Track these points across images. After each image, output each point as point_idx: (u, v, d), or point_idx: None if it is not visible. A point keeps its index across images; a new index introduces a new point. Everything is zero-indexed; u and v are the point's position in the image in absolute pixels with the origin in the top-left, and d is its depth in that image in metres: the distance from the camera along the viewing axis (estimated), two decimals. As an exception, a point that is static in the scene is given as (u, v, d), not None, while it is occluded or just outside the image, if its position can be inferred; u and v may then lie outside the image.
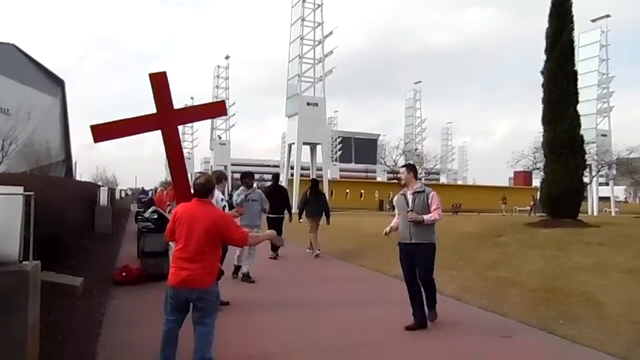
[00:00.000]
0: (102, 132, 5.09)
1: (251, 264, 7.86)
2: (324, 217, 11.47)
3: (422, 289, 5.40)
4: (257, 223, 8.13)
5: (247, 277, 7.79)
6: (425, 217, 5.23)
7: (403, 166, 5.90)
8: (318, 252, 11.06)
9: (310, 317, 5.77)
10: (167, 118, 5.20)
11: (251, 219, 7.77)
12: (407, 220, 5.32)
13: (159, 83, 5.15)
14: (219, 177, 6.10)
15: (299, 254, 11.41)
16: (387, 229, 5.73)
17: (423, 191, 5.42)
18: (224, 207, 5.85)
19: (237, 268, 8.01)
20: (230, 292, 6.04)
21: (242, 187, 8.25)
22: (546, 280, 7.44)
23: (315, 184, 12.13)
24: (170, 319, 3.68)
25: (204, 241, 3.63)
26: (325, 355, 4.49)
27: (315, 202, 11.47)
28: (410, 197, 5.41)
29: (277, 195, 10.10)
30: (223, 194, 6.55)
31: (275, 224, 9.51)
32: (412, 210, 5.28)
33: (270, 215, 9.60)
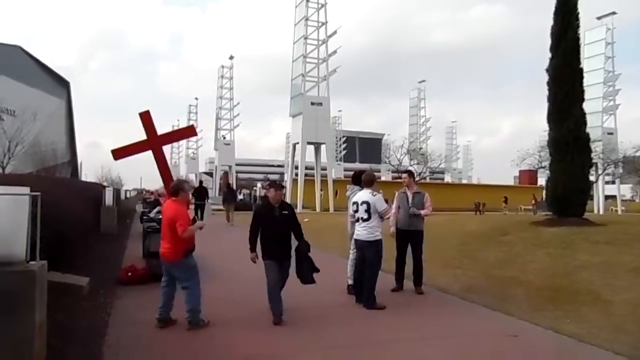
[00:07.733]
0: (120, 153, 7.64)
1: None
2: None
3: (404, 267, 6.96)
4: None
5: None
6: (422, 211, 6.95)
7: (405, 172, 7.62)
8: (232, 224, 18.24)
9: (318, 317, 5.77)
10: (154, 142, 7.50)
11: None
12: (408, 212, 6.88)
13: (146, 119, 7.44)
14: (372, 180, 6.43)
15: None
16: (392, 229, 7.06)
17: (420, 192, 7.11)
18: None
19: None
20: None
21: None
22: (552, 279, 7.42)
23: (227, 182, 22.38)
24: (165, 279, 5.18)
25: (167, 228, 5.01)
26: (331, 354, 4.49)
27: (230, 194, 21.01)
28: (410, 196, 7.00)
29: (202, 191, 19.06)
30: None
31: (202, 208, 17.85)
32: (412, 207, 6.88)
33: (197, 203, 17.57)
